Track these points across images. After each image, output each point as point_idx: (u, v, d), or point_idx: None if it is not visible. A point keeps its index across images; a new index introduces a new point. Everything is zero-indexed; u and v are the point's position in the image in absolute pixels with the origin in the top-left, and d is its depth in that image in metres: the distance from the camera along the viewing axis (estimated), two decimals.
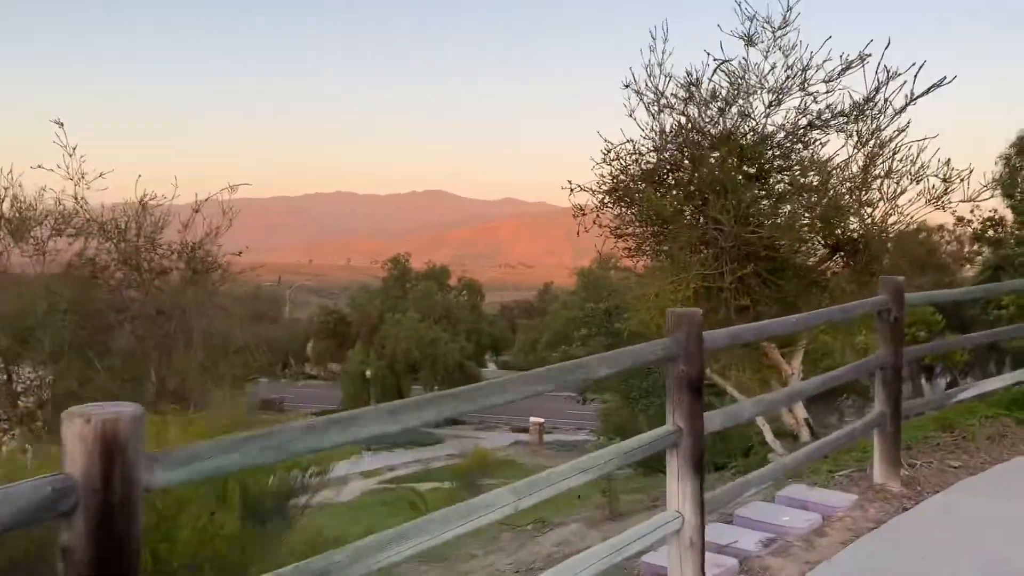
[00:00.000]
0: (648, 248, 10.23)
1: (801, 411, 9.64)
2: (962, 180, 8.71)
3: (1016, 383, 7.24)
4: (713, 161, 9.33)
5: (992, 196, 8.79)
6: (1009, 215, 21.48)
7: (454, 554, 7.38)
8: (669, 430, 3.49)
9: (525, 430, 46.82)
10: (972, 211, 24.86)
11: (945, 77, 8.63)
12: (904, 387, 21.29)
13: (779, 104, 9.48)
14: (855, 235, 9.23)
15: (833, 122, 9.59)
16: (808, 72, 9.33)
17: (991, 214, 22.26)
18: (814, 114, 9.55)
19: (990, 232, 21.89)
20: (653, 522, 3.47)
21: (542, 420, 45.41)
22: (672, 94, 9.61)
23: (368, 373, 49.44)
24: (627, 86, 9.75)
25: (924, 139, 9.34)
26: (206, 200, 10.82)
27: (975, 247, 23.82)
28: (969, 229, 22.91)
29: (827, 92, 9.47)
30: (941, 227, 28.30)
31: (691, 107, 9.58)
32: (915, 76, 8.61)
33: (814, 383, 4.92)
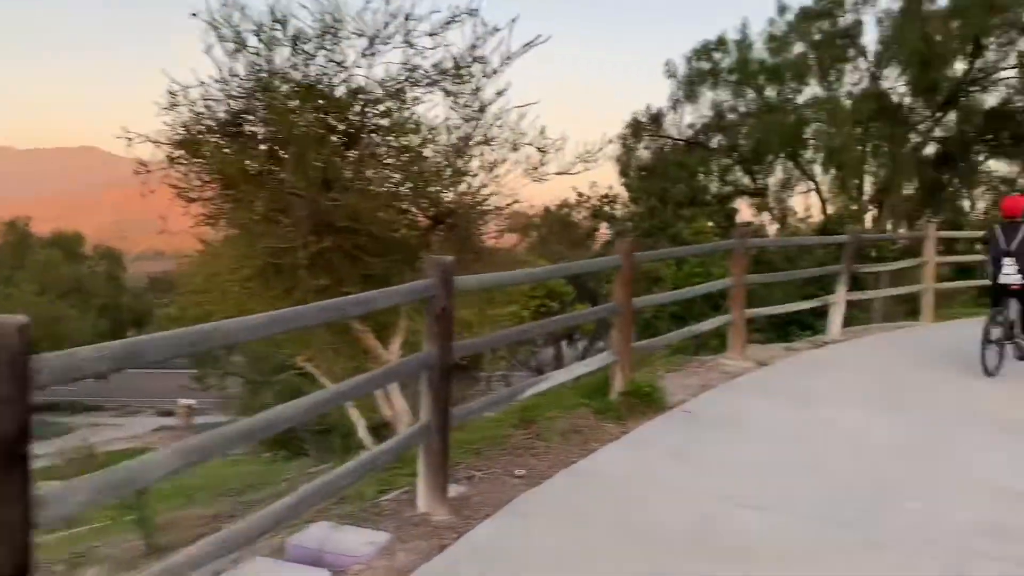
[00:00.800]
0: (227, 216, 8.63)
1: (399, 400, 8.70)
2: (558, 150, 8.28)
3: (599, 368, 6.78)
4: (294, 114, 7.94)
5: (586, 169, 8.42)
6: (624, 193, 23.07)
7: None
8: None
9: (171, 414, 42.88)
10: (591, 187, 26.48)
11: (540, 36, 8.09)
12: (546, 352, 20.91)
13: (375, 54, 8.37)
14: (453, 206, 8.42)
15: (437, 80, 8.68)
16: (411, 22, 8.34)
17: (608, 191, 23.78)
18: (417, 70, 8.58)
19: (607, 208, 23.33)
20: None
21: (192, 402, 41.77)
22: (252, 31, 8.11)
23: None
24: (194, 15, 8.04)
25: (525, 105, 8.83)
26: None
27: (594, 222, 25.38)
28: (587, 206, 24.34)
29: (433, 47, 8.56)
30: (579, 203, 29.97)
31: (273, 48, 8.13)
32: (510, 32, 7.99)
33: (320, 398, 3.73)
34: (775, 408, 6.78)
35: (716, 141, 26.56)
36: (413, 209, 8.42)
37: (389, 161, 8.41)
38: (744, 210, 27.05)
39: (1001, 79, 24.23)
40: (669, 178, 23.83)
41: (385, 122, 8.53)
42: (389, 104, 8.56)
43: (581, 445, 5.65)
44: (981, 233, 9.93)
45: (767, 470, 5.19)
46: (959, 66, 23.85)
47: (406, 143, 8.45)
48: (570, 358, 32.16)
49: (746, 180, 26.82)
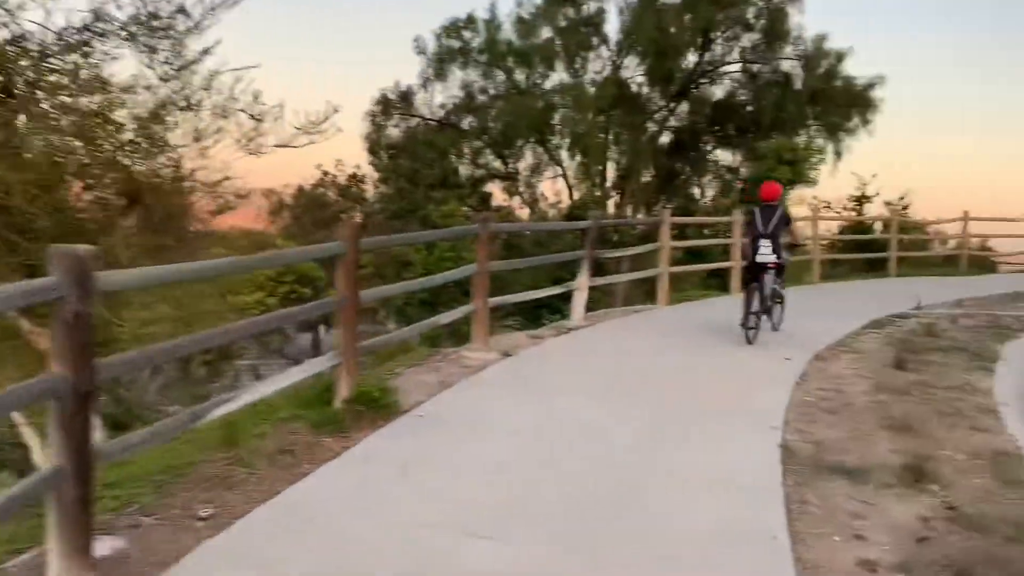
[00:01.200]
0: None
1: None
2: (276, 119, 7.28)
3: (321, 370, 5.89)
4: None
5: (311, 142, 7.49)
6: (373, 173, 22.09)
7: None
8: None
9: None
10: (337, 166, 25.17)
11: None
12: (304, 338, 19.02)
13: None
14: (150, 182, 7.14)
15: (133, 33, 7.32)
16: None
17: (356, 170, 22.64)
18: (105, 19, 7.18)
19: (354, 189, 22.25)
20: None
21: None
22: None
23: None
24: None
25: (241, 68, 7.71)
26: None
27: (346, 203, 24.20)
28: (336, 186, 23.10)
29: None
30: (330, 182, 28.47)
31: None
32: None
33: None
34: (515, 405, 6.29)
35: (467, 123, 26.29)
36: (99, 185, 7.02)
37: (65, 125, 6.96)
38: (498, 194, 27.10)
39: (727, 73, 26.08)
40: (420, 159, 23.19)
41: (62, 79, 7.06)
42: (69, 58, 7.11)
43: (291, 468, 4.77)
44: (714, 219, 10.23)
45: (501, 482, 4.62)
46: (691, 58, 25.31)
47: (88, 104, 7.05)
48: (328, 345, 30.61)
49: (497, 164, 26.84)
